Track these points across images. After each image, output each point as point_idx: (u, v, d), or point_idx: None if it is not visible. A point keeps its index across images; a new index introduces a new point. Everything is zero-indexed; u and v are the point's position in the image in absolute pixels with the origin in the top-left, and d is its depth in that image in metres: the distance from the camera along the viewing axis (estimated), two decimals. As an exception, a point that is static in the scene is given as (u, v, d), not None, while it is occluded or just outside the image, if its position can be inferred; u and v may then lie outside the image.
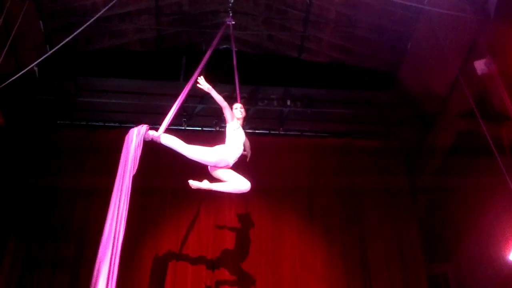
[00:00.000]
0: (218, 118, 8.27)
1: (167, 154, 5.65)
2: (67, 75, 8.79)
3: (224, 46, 9.01)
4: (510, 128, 6.63)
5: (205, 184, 5.60)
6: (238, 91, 6.69)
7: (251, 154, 6.24)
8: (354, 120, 9.13)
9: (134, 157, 4.83)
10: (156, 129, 5.25)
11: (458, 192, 7.86)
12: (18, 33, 6.98)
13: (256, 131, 8.67)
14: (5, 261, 7.41)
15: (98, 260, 4.18)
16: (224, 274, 7.53)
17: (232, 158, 5.59)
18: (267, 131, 9.08)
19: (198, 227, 7.90)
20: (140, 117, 8.40)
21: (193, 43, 9.94)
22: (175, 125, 7.49)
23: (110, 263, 4.18)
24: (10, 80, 5.97)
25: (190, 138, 5.70)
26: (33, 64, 6.36)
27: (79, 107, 8.88)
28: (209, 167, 5.66)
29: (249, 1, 9.30)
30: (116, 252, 4.25)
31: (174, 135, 5.41)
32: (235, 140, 5.67)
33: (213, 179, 5.70)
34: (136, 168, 4.81)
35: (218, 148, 5.58)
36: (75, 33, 6.20)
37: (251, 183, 5.70)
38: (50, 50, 7.29)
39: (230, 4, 7.36)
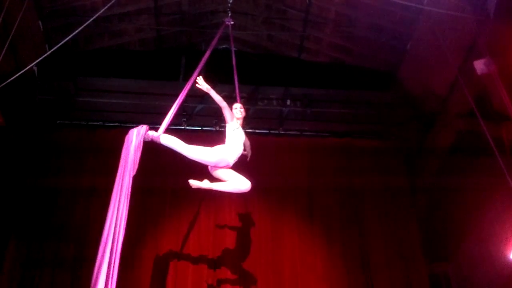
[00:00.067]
0: (218, 118, 8.25)
1: (167, 154, 5.65)
2: (66, 75, 8.79)
3: (224, 46, 9.01)
4: (510, 127, 6.63)
5: (205, 184, 5.60)
6: (237, 91, 6.69)
7: (251, 154, 6.24)
8: (354, 120, 9.14)
9: (134, 158, 4.83)
10: (156, 129, 5.25)
11: (458, 192, 7.86)
12: (18, 33, 6.96)
13: (256, 131, 8.65)
14: (6, 261, 7.40)
15: (98, 260, 4.18)
16: (225, 273, 7.53)
17: (232, 158, 5.60)
18: (267, 131, 9.09)
19: (198, 227, 7.90)
20: (139, 117, 8.43)
21: (193, 43, 9.94)
22: (175, 125, 7.47)
23: (110, 263, 4.18)
24: (10, 80, 5.97)
25: (190, 137, 5.71)
26: (32, 64, 6.36)
27: (78, 107, 8.88)
28: (209, 167, 5.66)
29: (249, 1, 9.29)
30: (116, 252, 4.25)
31: (174, 135, 5.41)
32: (235, 140, 5.67)
33: (213, 179, 5.69)
34: (136, 168, 4.81)
35: (218, 148, 5.58)
36: (74, 33, 6.21)
37: (251, 183, 5.70)
38: (49, 49, 7.30)
39: (230, 4, 7.34)
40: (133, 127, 5.20)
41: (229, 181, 5.63)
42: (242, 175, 5.72)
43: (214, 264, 7.58)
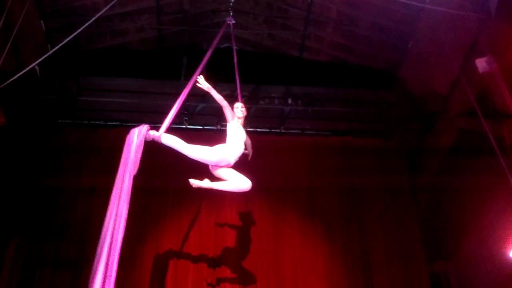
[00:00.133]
0: (219, 117, 8.25)
1: (168, 154, 5.65)
2: (68, 75, 8.80)
3: (225, 45, 9.02)
4: (511, 126, 6.62)
5: (206, 183, 5.60)
6: (239, 90, 6.69)
7: (252, 153, 6.24)
8: (354, 119, 9.14)
9: (135, 158, 4.82)
10: (157, 129, 5.25)
11: (458, 191, 7.86)
12: (19, 33, 6.97)
13: (257, 130, 8.66)
14: (6, 261, 7.42)
15: (96, 260, 4.18)
16: (225, 272, 7.54)
17: (233, 157, 5.60)
18: (268, 130, 9.09)
19: (199, 226, 7.91)
20: (141, 116, 8.45)
21: (194, 42, 9.94)
22: (176, 124, 7.47)
23: (108, 262, 4.17)
24: (12, 79, 5.98)
25: (191, 137, 5.71)
26: (34, 64, 6.37)
27: (80, 107, 8.90)
28: (210, 166, 5.66)
29: (250, 0, 9.29)
30: (114, 252, 4.24)
31: (175, 134, 5.41)
32: (236, 139, 5.68)
33: (214, 178, 5.70)
34: (137, 168, 4.80)
35: (219, 147, 5.59)
36: (76, 33, 6.20)
37: (252, 182, 5.70)
38: (51, 49, 7.29)
39: (231, 3, 7.36)
40: (134, 126, 5.19)
41: (230, 181, 5.63)
42: (243, 174, 5.72)
43: (214, 263, 7.59)
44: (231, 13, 7.21)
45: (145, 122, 5.40)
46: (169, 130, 5.35)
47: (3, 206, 7.72)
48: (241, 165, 5.82)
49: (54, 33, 8.52)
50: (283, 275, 7.67)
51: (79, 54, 9.13)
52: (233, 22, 7.06)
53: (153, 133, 5.16)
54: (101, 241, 4.31)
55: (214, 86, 5.66)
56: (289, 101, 9.10)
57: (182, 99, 5.53)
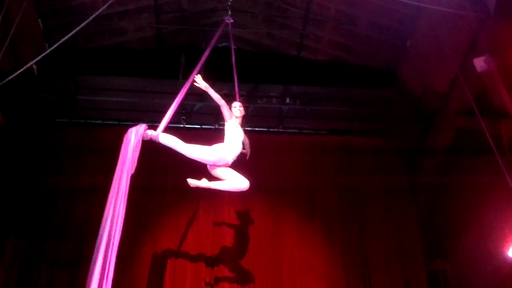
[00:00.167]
0: (217, 116, 8.23)
1: (166, 153, 5.65)
2: (66, 74, 8.82)
3: (224, 44, 8.97)
4: (509, 125, 6.62)
5: (203, 183, 5.59)
6: (237, 89, 6.67)
7: (251, 153, 6.23)
8: (353, 118, 9.15)
9: (133, 157, 4.82)
10: (155, 128, 5.25)
11: (457, 190, 7.86)
12: (17, 31, 6.95)
13: (255, 129, 8.65)
14: (5, 260, 7.43)
15: (93, 259, 4.19)
16: (224, 271, 7.54)
17: (231, 157, 5.59)
18: (266, 129, 9.09)
19: (197, 225, 7.91)
20: (139, 115, 8.44)
21: (193, 41, 9.92)
22: (174, 123, 7.48)
23: (106, 261, 4.18)
24: (9, 78, 5.96)
25: (189, 136, 5.70)
26: (32, 62, 6.34)
27: (78, 106, 8.91)
28: (208, 165, 5.65)
29: (249, -1, 9.29)
30: (112, 251, 4.24)
31: (173, 134, 5.41)
32: (234, 138, 5.68)
33: (212, 178, 5.69)
34: (134, 168, 4.80)
35: (217, 146, 5.58)
36: (74, 31, 6.17)
37: (250, 182, 5.69)
38: (49, 48, 7.26)
39: (229, 2, 7.34)
40: (132, 125, 5.19)
41: (228, 180, 5.63)
42: (241, 173, 5.71)
43: (212, 262, 7.60)
44: (230, 12, 7.18)
45: (143, 121, 5.40)
46: (167, 129, 5.34)
47: (2, 205, 7.70)
48: (239, 164, 5.82)
49: (52, 32, 8.51)
50: (281, 274, 7.68)
51: (77, 53, 9.12)
52: (232, 21, 7.05)
53: (150, 132, 5.16)
54: (99, 240, 4.31)
55: (212, 85, 5.65)
56: (288, 100, 9.12)
57: (180, 99, 5.52)
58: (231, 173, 5.65)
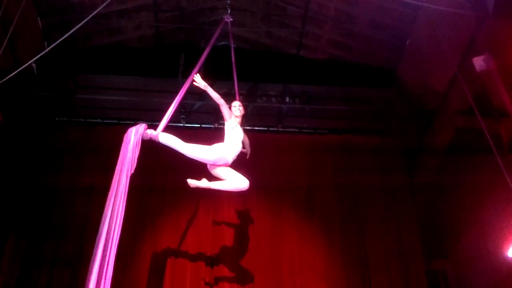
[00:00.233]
0: (217, 115, 8.21)
1: (166, 153, 5.64)
2: (65, 72, 8.80)
3: (223, 43, 8.97)
4: (509, 125, 6.62)
5: (203, 183, 5.58)
6: (236, 88, 6.67)
7: (250, 152, 6.22)
8: (353, 117, 9.14)
9: (132, 157, 4.82)
10: (155, 127, 5.24)
11: (457, 190, 7.87)
12: (16, 30, 6.96)
13: (255, 128, 8.64)
14: (4, 259, 7.41)
15: (93, 258, 4.18)
16: (223, 271, 7.53)
17: (231, 156, 5.59)
18: (266, 128, 9.07)
19: (197, 225, 7.90)
20: (138, 114, 8.45)
21: (192, 40, 9.91)
22: (173, 122, 7.47)
23: (105, 261, 4.18)
24: (8, 77, 5.95)
25: (188, 135, 5.71)
26: (31, 61, 6.32)
27: (77, 104, 8.89)
28: (208, 165, 5.64)
29: (248, -3, 9.29)
30: (111, 250, 4.24)
31: (172, 133, 5.41)
32: (234, 138, 5.67)
33: (212, 177, 5.69)
34: (134, 167, 4.80)
35: (216, 146, 5.58)
36: (73, 30, 6.16)
37: (250, 181, 5.68)
38: (48, 46, 7.26)
39: (229, 1, 7.34)
40: (132, 124, 5.19)
41: (228, 180, 5.62)
42: (241, 173, 5.71)
43: (212, 261, 7.58)
44: (229, 11, 7.18)
45: (143, 120, 5.41)
46: (166, 129, 5.34)
47: (1, 203, 7.69)
48: (238, 163, 5.81)
49: (51, 31, 8.50)
50: (281, 274, 7.66)
51: (76, 51, 9.11)
52: (231, 20, 7.05)
53: (150, 132, 5.16)
54: (98, 239, 4.31)
55: (212, 84, 5.65)
56: (287, 99, 9.11)
57: (180, 98, 5.51)
58: (231, 173, 5.64)
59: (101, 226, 4.37)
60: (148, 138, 5.14)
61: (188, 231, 7.81)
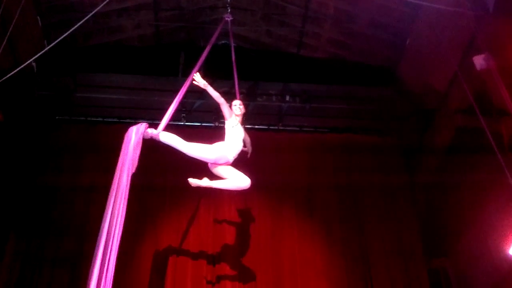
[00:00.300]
0: (217, 114, 8.21)
1: (166, 152, 5.64)
2: (65, 71, 8.78)
3: (223, 42, 8.97)
4: (509, 124, 6.62)
5: (204, 182, 5.58)
6: (237, 87, 6.68)
7: (252, 150, 6.22)
8: (353, 116, 9.14)
9: (133, 156, 4.83)
10: (155, 126, 5.25)
11: (457, 188, 7.85)
12: (16, 29, 6.94)
13: (255, 127, 8.65)
14: (5, 258, 7.40)
15: (94, 258, 4.19)
16: (225, 269, 7.53)
17: (232, 155, 5.60)
18: (266, 127, 9.08)
19: (198, 223, 7.90)
20: (139, 112, 8.47)
21: (192, 38, 9.91)
22: (174, 121, 7.45)
23: (106, 260, 4.18)
24: (8, 75, 5.94)
25: (189, 134, 5.72)
26: (31, 60, 6.32)
27: (77, 103, 8.88)
28: (209, 164, 5.65)
29: (248, -4, 9.27)
30: (112, 249, 4.25)
31: (173, 131, 5.42)
32: (234, 137, 5.68)
33: (213, 176, 5.69)
34: (135, 166, 4.80)
35: (217, 145, 5.59)
36: (73, 29, 6.17)
37: (251, 180, 5.69)
38: (48, 45, 7.26)
39: (229, 0, 7.33)
40: (132, 123, 5.20)
41: (229, 179, 5.63)
42: (241, 171, 5.71)
43: (213, 260, 7.58)
44: (229, 10, 7.19)
45: (143, 119, 5.42)
46: (167, 128, 5.35)
47: (2, 203, 7.68)
48: (239, 162, 5.82)
49: (51, 29, 8.48)
50: (282, 272, 7.66)
51: (76, 50, 9.10)
52: (231, 18, 7.06)
53: (151, 131, 5.16)
54: (99, 238, 4.31)
55: (212, 83, 5.65)
56: (287, 98, 9.11)
57: (180, 97, 5.51)
58: (232, 172, 5.65)
59: (102, 225, 4.37)
60: (149, 137, 5.15)
61: (189, 230, 7.81)
